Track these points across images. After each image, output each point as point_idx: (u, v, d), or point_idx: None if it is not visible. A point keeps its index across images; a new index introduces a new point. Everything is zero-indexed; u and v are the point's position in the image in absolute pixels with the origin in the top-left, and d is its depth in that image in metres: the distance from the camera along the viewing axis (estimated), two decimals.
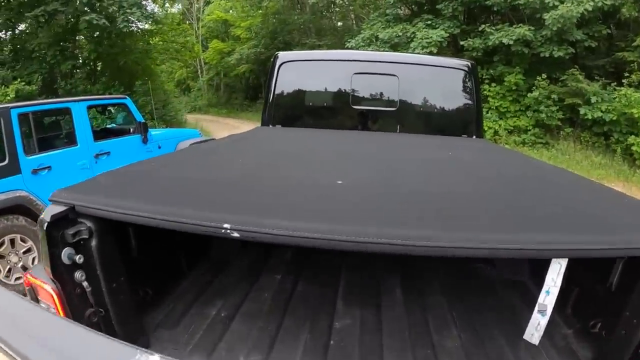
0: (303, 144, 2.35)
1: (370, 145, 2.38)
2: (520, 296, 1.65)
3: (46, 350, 0.56)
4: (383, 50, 11.63)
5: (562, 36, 9.38)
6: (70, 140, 4.14)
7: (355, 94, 2.98)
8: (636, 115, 8.37)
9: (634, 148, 8.41)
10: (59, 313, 1.09)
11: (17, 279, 3.38)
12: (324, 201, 1.14)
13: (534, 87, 10.13)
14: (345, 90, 2.99)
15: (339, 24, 18.78)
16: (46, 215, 1.02)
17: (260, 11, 18.34)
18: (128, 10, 9.11)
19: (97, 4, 8.89)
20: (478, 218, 1.03)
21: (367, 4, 17.48)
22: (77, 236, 1.08)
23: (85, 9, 9.09)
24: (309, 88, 3.20)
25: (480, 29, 10.60)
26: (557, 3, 9.07)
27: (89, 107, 4.39)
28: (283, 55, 3.11)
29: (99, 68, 12.35)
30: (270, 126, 2.99)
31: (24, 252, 3.49)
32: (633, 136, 8.64)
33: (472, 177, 1.59)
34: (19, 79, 9.33)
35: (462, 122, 3.01)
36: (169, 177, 1.41)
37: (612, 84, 9.21)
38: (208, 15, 23.79)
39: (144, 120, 5.07)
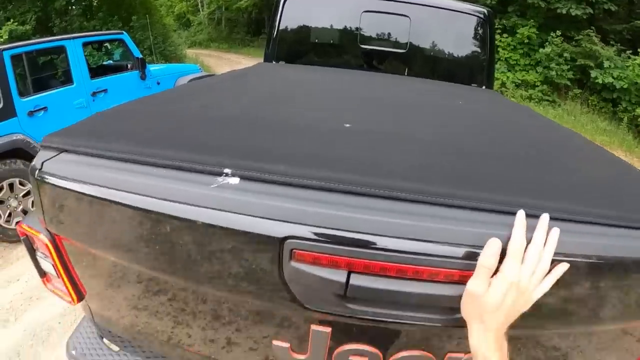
0: (308, 83, 2.22)
1: (378, 87, 2.27)
2: None
3: None
4: None
5: None
6: (66, 79, 3.99)
7: (364, 32, 2.79)
8: None
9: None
10: (56, 264, 1.04)
11: (17, 222, 3.41)
12: (332, 146, 1.08)
13: (547, 43, 9.81)
14: (353, 28, 2.81)
15: None
16: (37, 162, 0.93)
17: None
18: None
19: None
20: (493, 178, 0.96)
21: None
22: None
23: None
24: (315, 24, 2.97)
25: None
26: None
27: (85, 44, 4.16)
28: None
29: (94, 3, 11.67)
30: (274, 62, 2.83)
31: (23, 196, 3.48)
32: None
33: (484, 132, 1.53)
34: (12, 20, 8.83)
35: (473, 71, 2.89)
36: (164, 117, 1.30)
37: (628, 52, 8.93)
38: None
39: (141, 56, 4.84)
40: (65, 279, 1.06)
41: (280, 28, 2.81)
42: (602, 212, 0.78)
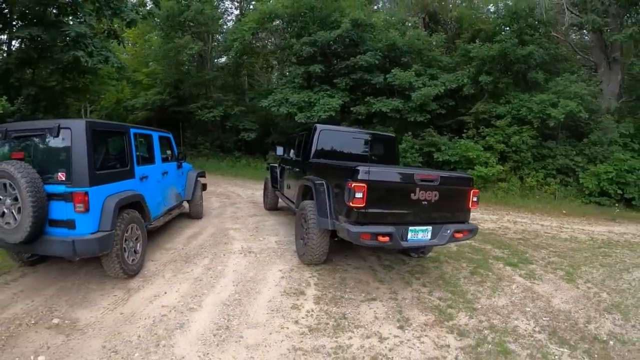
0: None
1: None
2: None
3: None
4: (292, 111, 14.58)
5: (423, 107, 13.78)
6: (151, 159, 5.33)
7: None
8: (471, 156, 12.77)
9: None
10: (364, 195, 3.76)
11: (132, 260, 4.38)
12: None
13: (403, 141, 13.92)
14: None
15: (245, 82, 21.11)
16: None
17: (165, 60, 19.35)
18: (102, 52, 9.70)
19: (82, 42, 9.29)
20: None
21: (269, 66, 20.40)
22: None
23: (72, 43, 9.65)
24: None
25: (366, 99, 14.47)
26: (420, 85, 13.51)
27: (160, 137, 5.68)
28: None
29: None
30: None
31: (135, 239, 4.51)
32: (470, 170, 12.90)
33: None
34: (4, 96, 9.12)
35: (390, 158, 6.47)
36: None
37: (456, 137, 13.72)
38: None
39: (180, 152, 6.45)
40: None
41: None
42: None
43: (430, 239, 4.25)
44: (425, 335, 3.41)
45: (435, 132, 14.02)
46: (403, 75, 13.65)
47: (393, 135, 6.77)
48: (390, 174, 4.17)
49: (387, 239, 3.86)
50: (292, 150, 6.99)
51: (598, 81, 13.60)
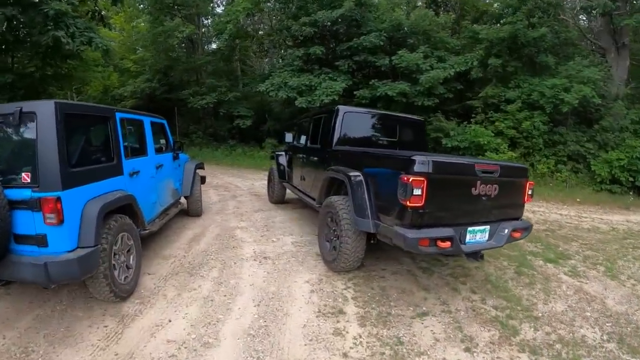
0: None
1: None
2: None
3: None
4: (292, 95, 13.63)
5: (430, 91, 12.93)
6: (143, 150, 4.38)
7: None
8: (482, 142, 12.12)
9: None
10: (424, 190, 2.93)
11: (125, 278, 3.49)
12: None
13: None
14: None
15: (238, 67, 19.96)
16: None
17: (153, 46, 18.15)
18: (85, 33, 8.54)
19: (62, 21, 8.11)
20: None
21: (263, 50, 19.29)
22: None
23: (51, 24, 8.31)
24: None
25: (370, 83, 13.56)
26: (428, 68, 12.63)
27: (151, 123, 4.69)
28: None
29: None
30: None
31: (127, 251, 3.63)
32: (480, 156, 12.37)
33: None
34: None
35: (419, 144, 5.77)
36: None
37: (464, 123, 13.03)
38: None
39: (178, 141, 5.49)
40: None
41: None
42: None
43: (487, 240, 3.60)
44: (498, 358, 2.84)
45: (443, 117, 13.25)
46: (410, 57, 12.75)
47: (422, 118, 5.95)
48: (452, 164, 3.37)
49: (448, 244, 3.12)
50: (303, 137, 6.13)
51: (608, 66, 13.01)
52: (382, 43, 13.53)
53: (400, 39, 14.20)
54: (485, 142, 12.12)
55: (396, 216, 3.19)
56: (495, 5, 15.73)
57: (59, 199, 2.65)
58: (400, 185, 3.02)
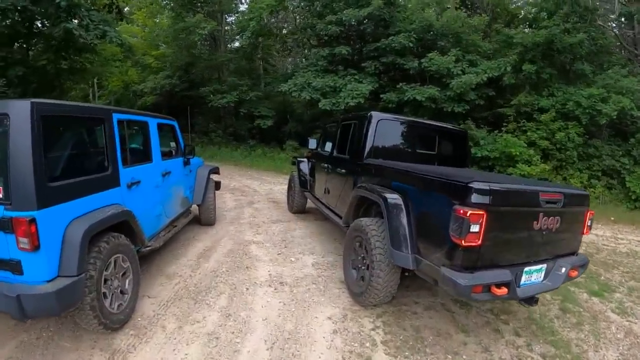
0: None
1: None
2: None
3: None
4: (315, 97, 13.10)
5: (461, 97, 12.17)
6: (147, 156, 3.86)
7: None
8: (513, 153, 11.32)
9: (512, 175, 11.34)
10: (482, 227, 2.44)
11: (118, 305, 3.01)
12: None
13: None
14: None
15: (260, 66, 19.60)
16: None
17: (175, 42, 17.94)
18: (100, 26, 8.22)
19: (75, 13, 7.79)
20: None
21: (286, 49, 18.86)
22: None
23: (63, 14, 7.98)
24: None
25: (397, 86, 12.88)
26: (459, 72, 11.89)
27: (159, 125, 4.18)
28: None
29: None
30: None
31: (122, 275, 3.15)
32: (511, 168, 11.58)
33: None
34: None
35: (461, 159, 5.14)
36: None
37: (495, 131, 12.24)
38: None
39: (189, 145, 4.99)
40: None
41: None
42: None
43: (542, 281, 2.98)
44: None
45: (473, 124, 12.47)
46: (441, 60, 12.02)
47: (464, 130, 5.29)
48: (516, 193, 2.74)
49: (504, 290, 2.54)
50: (329, 144, 5.55)
51: None
52: (411, 45, 12.83)
53: (430, 41, 13.47)
54: (517, 153, 11.35)
55: (445, 255, 2.58)
56: (529, 8, 14.87)
57: (33, 221, 2.16)
58: (454, 219, 2.42)
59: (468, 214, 2.35)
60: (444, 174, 2.78)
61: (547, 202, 2.81)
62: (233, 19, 20.18)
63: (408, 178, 3.17)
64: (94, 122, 3.01)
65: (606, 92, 10.82)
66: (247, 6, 19.35)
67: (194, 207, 5.65)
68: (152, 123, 4.00)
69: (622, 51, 14.07)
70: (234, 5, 19.10)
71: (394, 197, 3.12)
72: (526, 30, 12.48)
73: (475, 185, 2.43)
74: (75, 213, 2.59)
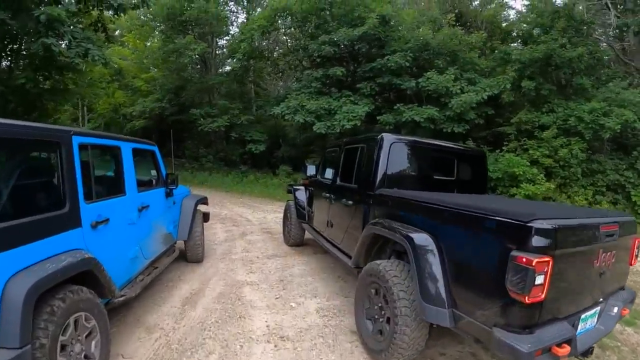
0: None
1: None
2: None
3: None
4: (310, 120, 12.67)
5: (460, 116, 11.81)
6: (118, 188, 3.23)
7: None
8: (517, 173, 10.89)
9: (516, 197, 10.86)
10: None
11: None
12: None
13: None
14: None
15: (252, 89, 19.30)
16: None
17: (165, 64, 17.57)
18: (82, 44, 7.69)
19: (56, 28, 7.25)
20: None
21: (278, 71, 18.60)
22: None
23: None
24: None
25: (394, 107, 12.52)
26: (458, 91, 11.57)
27: (134, 150, 3.57)
28: None
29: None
30: None
31: (87, 336, 2.49)
32: (514, 188, 11.12)
33: None
34: None
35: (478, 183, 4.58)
36: None
37: (496, 151, 11.84)
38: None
39: (171, 173, 4.39)
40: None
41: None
42: None
43: (595, 326, 2.46)
44: None
45: (474, 144, 12.06)
46: (439, 80, 11.72)
47: (483, 151, 4.77)
48: (580, 229, 2.18)
49: (567, 349, 2.00)
50: (330, 171, 4.98)
51: None
52: (407, 64, 12.57)
53: (426, 60, 13.24)
54: (521, 172, 10.92)
55: (498, 313, 1.99)
56: (523, 25, 14.85)
57: None
58: (514, 270, 1.84)
59: (534, 263, 1.77)
60: (487, 208, 2.21)
61: (607, 236, 2.31)
62: (224, 42, 20.02)
63: (440, 213, 2.56)
64: (47, 146, 2.41)
65: (608, 106, 10.62)
66: (238, 29, 19.28)
67: (180, 243, 5.01)
68: (126, 148, 3.38)
69: (613, 64, 14.07)
70: (225, 27, 18.91)
71: (422, 238, 2.52)
72: (519, 47, 12.40)
73: (537, 224, 1.86)
74: (18, 265, 1.97)
